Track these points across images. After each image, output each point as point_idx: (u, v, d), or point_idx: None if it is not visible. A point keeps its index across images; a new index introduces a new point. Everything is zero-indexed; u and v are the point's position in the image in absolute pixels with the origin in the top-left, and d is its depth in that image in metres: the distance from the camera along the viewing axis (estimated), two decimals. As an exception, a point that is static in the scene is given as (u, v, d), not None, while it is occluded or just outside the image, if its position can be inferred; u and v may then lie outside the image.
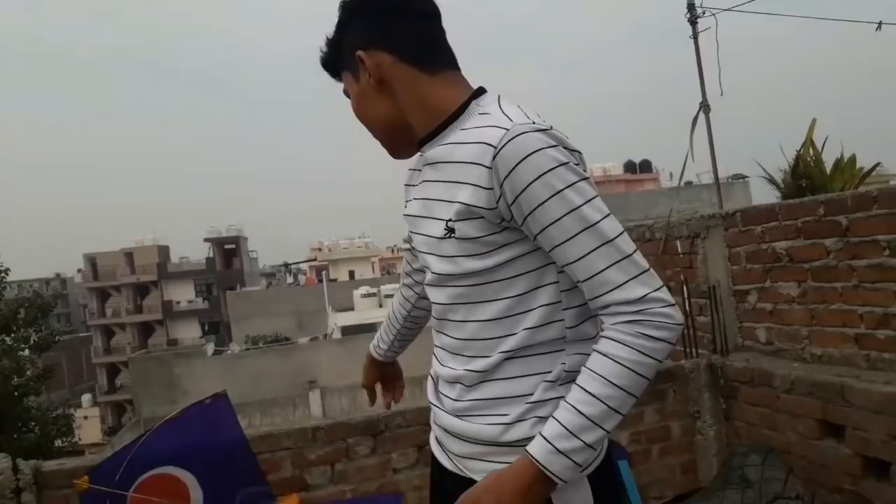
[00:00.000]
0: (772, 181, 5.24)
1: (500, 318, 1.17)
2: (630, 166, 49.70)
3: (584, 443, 1.06)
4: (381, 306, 27.99)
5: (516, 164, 1.07)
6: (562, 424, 1.07)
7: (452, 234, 1.17)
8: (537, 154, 1.07)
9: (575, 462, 1.07)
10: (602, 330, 1.12)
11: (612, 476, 1.26)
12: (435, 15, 1.25)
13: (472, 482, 1.16)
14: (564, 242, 1.08)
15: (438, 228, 1.19)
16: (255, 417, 16.73)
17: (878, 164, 5.32)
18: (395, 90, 1.23)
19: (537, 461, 1.07)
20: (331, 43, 1.31)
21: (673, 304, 1.08)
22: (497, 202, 1.10)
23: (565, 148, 1.11)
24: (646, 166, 49.71)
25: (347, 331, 25.04)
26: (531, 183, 1.07)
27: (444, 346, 1.29)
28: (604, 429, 1.07)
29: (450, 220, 1.16)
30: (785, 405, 3.16)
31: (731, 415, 3.50)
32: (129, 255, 49.52)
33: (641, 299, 1.06)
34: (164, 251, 51.13)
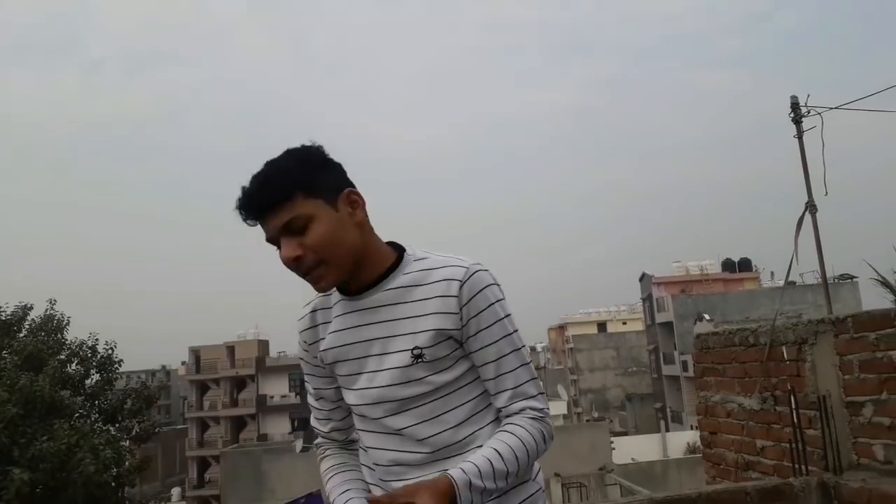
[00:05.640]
0: (885, 284, 4.93)
1: (471, 417, 1.44)
2: (728, 265, 48.02)
3: (486, 487, 1.33)
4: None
5: (475, 294, 1.40)
6: (478, 467, 1.33)
7: (422, 359, 1.39)
8: (488, 289, 1.42)
9: (473, 498, 1.32)
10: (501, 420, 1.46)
11: None
12: None
13: None
14: (501, 357, 1.43)
15: (404, 357, 1.41)
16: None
17: None
18: (364, 230, 1.42)
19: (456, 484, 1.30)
20: (288, 171, 1.35)
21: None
22: (460, 322, 1.39)
23: (498, 285, 1.45)
24: (745, 265, 47.96)
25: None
26: (483, 310, 1.41)
27: (406, 461, 1.43)
28: (496, 485, 1.35)
29: (416, 347, 1.39)
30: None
31: (851, 543, 3.15)
32: (230, 349, 51.36)
33: (543, 409, 1.46)
34: (263, 345, 52.73)
